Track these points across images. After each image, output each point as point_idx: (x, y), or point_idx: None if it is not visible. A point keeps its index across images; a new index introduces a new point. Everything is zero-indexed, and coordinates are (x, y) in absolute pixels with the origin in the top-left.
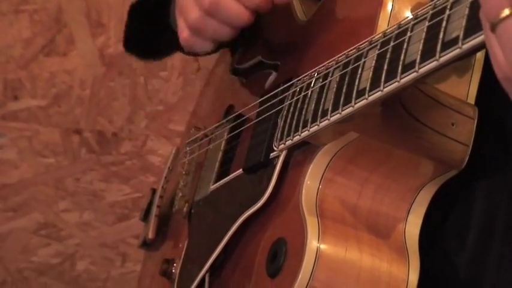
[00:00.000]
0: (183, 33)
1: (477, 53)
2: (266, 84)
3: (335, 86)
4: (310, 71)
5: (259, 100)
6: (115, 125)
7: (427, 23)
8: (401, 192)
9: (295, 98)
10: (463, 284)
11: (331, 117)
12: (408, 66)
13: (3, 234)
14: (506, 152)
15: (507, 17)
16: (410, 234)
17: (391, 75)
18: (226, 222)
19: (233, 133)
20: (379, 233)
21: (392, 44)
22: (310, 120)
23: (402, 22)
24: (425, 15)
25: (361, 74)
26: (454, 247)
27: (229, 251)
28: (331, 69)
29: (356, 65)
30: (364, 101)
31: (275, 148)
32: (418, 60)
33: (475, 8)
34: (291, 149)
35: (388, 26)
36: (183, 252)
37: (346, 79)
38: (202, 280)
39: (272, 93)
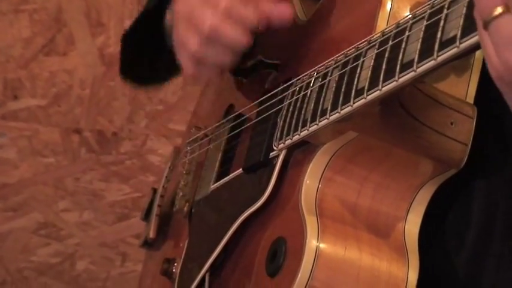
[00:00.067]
0: (188, 69)
1: (476, 53)
2: (266, 83)
3: (334, 85)
4: (310, 71)
5: (259, 100)
6: (115, 124)
7: (425, 22)
8: (400, 191)
9: (294, 98)
10: (462, 282)
11: (330, 116)
12: (406, 66)
13: (3, 234)
14: (505, 151)
15: (500, 15)
16: (409, 233)
17: (389, 75)
18: (226, 221)
19: (233, 133)
20: (379, 232)
21: (390, 43)
22: (309, 119)
23: (401, 21)
24: (423, 15)
25: (359, 73)
26: (454, 246)
27: (229, 251)
28: (330, 68)
29: (355, 64)
30: (363, 100)
31: (275, 148)
32: (416, 60)
33: (472, 7)
34: (291, 149)
35: (387, 25)
36: (184, 252)
37: (345, 78)
38: (203, 279)
39: (272, 92)
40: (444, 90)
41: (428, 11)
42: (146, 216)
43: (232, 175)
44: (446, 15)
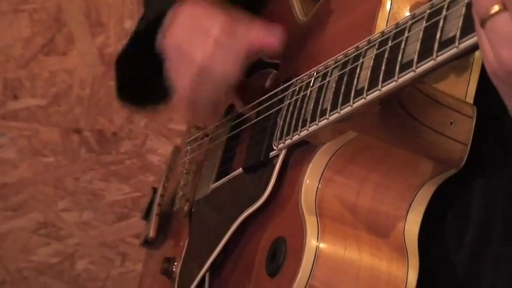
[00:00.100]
0: (181, 106)
1: (476, 52)
2: (266, 83)
3: (334, 85)
4: (310, 71)
5: (259, 99)
6: (115, 124)
7: (424, 23)
8: (400, 191)
9: (294, 98)
10: (461, 282)
11: (330, 116)
12: (406, 66)
13: (2, 234)
14: (504, 151)
15: (496, 13)
16: (409, 233)
17: (389, 75)
18: (226, 221)
19: (233, 132)
20: (379, 232)
21: (390, 43)
22: (309, 119)
23: (400, 22)
24: (422, 15)
25: (359, 73)
26: (452, 246)
27: (229, 250)
28: (330, 68)
29: (354, 64)
30: (363, 100)
31: (275, 147)
32: (415, 60)
33: (471, 8)
34: (291, 148)
35: (386, 25)
36: (184, 251)
37: (345, 78)
38: (203, 279)
39: (272, 92)
40: (444, 90)
41: (428, 12)
42: (146, 216)
43: (232, 175)
44: (446, 15)
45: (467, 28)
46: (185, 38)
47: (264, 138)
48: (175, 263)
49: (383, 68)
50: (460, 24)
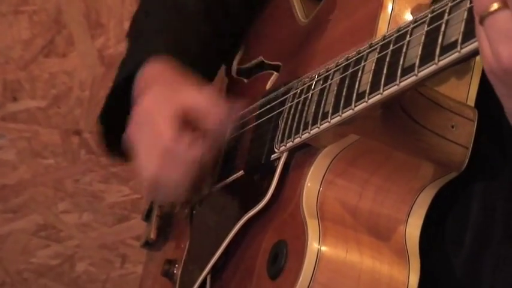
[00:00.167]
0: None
1: (477, 56)
2: (267, 85)
3: (335, 88)
4: (311, 73)
5: (260, 101)
6: None
7: (426, 27)
8: (401, 194)
9: (295, 100)
10: (460, 283)
11: (331, 119)
12: (407, 70)
13: (2, 236)
14: (503, 153)
15: (496, 10)
16: (410, 236)
17: (390, 79)
18: (227, 223)
19: (234, 134)
20: (380, 235)
21: (391, 47)
22: (310, 122)
23: (402, 25)
24: (424, 19)
25: (361, 77)
26: (452, 248)
27: (231, 253)
28: (332, 71)
29: (356, 68)
30: (364, 104)
31: (276, 150)
32: (417, 64)
33: (473, 12)
34: (292, 151)
35: (388, 27)
36: (185, 253)
37: (346, 82)
38: (204, 281)
39: (273, 94)
40: (445, 93)
41: (430, 16)
42: (147, 217)
43: (233, 177)
44: (448, 20)
45: (469, 33)
46: (141, 140)
47: (265, 140)
48: (176, 265)
49: (385, 71)
50: (462, 29)
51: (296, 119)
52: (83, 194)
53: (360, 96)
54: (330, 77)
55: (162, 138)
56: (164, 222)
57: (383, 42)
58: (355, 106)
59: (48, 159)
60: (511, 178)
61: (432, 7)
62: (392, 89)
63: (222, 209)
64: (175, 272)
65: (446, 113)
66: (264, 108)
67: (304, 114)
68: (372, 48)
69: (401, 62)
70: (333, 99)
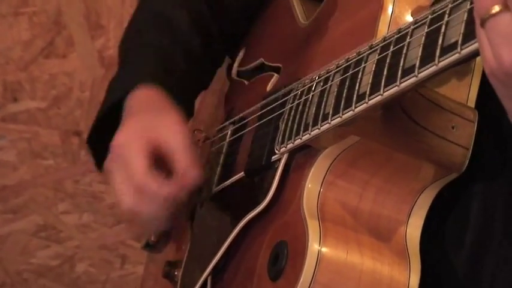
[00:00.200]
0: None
1: (477, 57)
2: (268, 86)
3: (335, 90)
4: (311, 74)
5: (261, 103)
6: None
7: (426, 29)
8: (402, 195)
9: (296, 102)
10: (461, 283)
11: (331, 121)
12: (408, 71)
13: (2, 236)
14: (503, 154)
15: (497, 13)
16: (411, 237)
17: (390, 80)
18: (228, 225)
19: (235, 136)
20: (380, 235)
21: (392, 48)
22: (311, 123)
23: (402, 27)
24: (424, 20)
25: (361, 78)
26: (453, 247)
27: (231, 254)
28: (332, 73)
29: (356, 69)
30: (365, 105)
31: (276, 151)
32: (417, 65)
33: (473, 13)
34: (292, 152)
35: (388, 29)
36: (186, 255)
37: (347, 83)
38: (205, 283)
39: (273, 96)
40: (445, 94)
41: (430, 17)
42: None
43: (233, 178)
44: (448, 21)
45: (469, 34)
46: (114, 171)
47: (266, 142)
48: (178, 267)
49: (385, 73)
50: (462, 30)
51: (296, 121)
52: (83, 195)
53: (361, 97)
54: (331, 79)
55: (134, 174)
56: None
57: (383, 43)
58: (355, 107)
59: (48, 160)
60: (511, 179)
61: (432, 8)
62: (392, 90)
63: (223, 210)
64: (176, 273)
65: (447, 114)
66: (265, 110)
67: (304, 116)
68: (372, 49)
69: (401, 63)
70: (333, 101)
